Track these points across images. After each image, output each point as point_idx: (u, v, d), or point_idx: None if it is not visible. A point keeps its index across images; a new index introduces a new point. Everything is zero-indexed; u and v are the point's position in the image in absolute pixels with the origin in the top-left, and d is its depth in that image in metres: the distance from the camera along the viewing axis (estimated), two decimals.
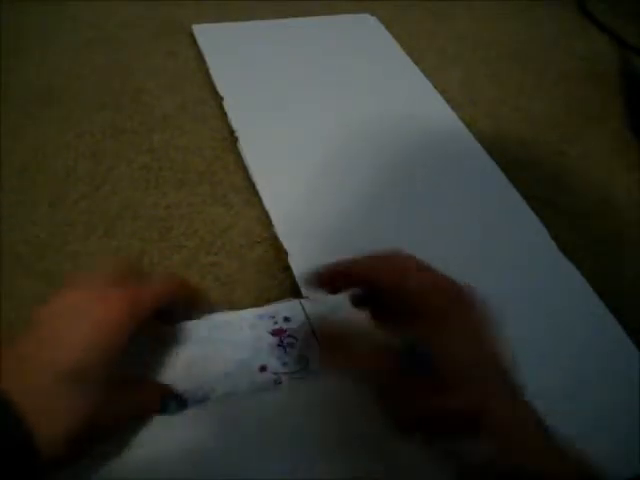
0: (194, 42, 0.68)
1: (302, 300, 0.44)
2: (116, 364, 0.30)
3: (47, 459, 0.27)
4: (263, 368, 0.39)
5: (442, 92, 0.67)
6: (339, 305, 0.44)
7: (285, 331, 0.42)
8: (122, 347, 0.30)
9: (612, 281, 0.51)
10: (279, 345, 0.41)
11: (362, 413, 0.38)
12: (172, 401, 0.37)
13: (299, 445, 0.37)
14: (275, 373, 0.39)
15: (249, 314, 0.42)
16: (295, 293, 0.45)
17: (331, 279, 0.36)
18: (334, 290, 0.37)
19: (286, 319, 0.42)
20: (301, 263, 0.46)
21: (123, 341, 0.30)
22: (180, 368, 0.38)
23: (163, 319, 0.37)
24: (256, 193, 0.52)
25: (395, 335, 0.34)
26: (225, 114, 0.59)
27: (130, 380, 0.35)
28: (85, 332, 0.29)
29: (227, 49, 0.67)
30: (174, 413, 0.36)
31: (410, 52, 0.72)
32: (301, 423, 0.37)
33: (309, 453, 0.36)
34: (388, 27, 0.75)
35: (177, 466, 0.35)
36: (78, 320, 0.30)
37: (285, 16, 0.74)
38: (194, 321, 0.40)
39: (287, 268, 0.46)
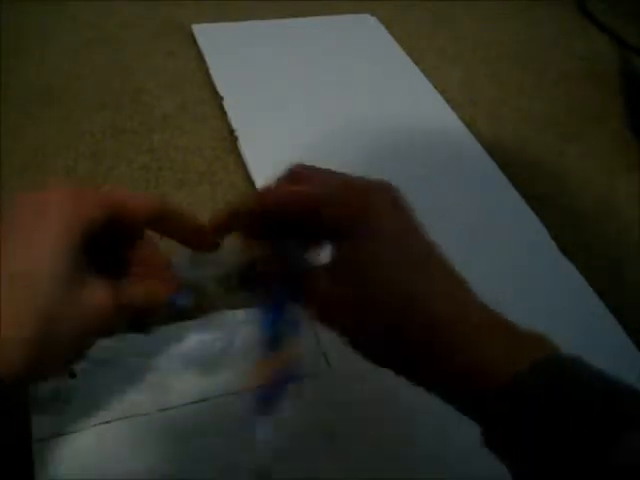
0: (194, 42, 0.68)
1: None
2: (73, 264, 0.27)
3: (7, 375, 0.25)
4: None
5: (442, 92, 0.67)
6: None
7: None
8: (69, 245, 0.27)
9: (612, 281, 0.51)
10: None
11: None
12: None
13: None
14: None
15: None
16: None
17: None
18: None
19: None
20: None
21: (67, 241, 0.28)
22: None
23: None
24: None
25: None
26: (225, 114, 0.59)
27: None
28: (22, 235, 0.27)
29: (227, 49, 0.67)
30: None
31: (410, 52, 0.72)
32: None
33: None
34: (388, 27, 0.75)
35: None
36: (17, 224, 0.28)
37: (285, 16, 0.74)
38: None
39: None
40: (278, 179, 0.35)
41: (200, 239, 0.35)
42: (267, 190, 0.34)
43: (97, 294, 0.29)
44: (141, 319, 0.33)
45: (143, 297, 0.32)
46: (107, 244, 0.31)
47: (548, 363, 0.26)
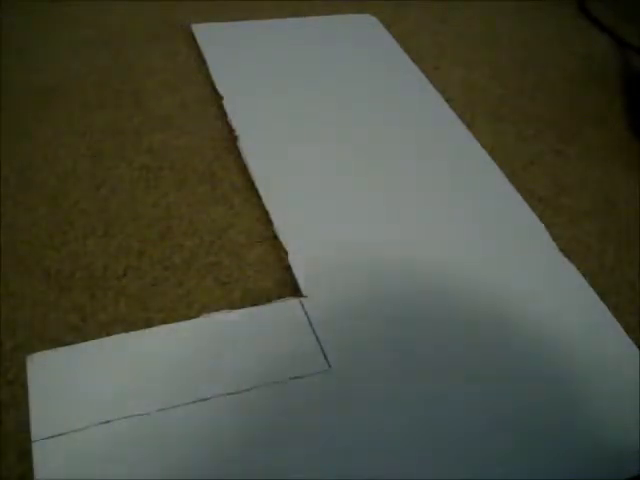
0: (194, 42, 0.68)
1: (302, 299, 0.44)
2: None
3: None
4: None
5: (442, 92, 0.67)
6: (339, 305, 0.44)
7: None
8: None
9: (612, 281, 0.51)
10: None
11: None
12: None
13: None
14: None
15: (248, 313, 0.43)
16: (295, 293, 0.45)
17: None
18: None
19: None
20: (301, 263, 0.46)
21: None
22: None
23: None
24: (256, 193, 0.52)
25: None
26: (225, 114, 0.59)
27: None
28: None
29: (227, 49, 0.67)
30: None
31: (410, 52, 0.72)
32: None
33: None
34: (388, 27, 0.75)
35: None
36: None
37: (285, 16, 0.74)
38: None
39: (287, 268, 0.46)
40: None
41: None
42: None
43: None
44: None
45: None
46: None
47: None
